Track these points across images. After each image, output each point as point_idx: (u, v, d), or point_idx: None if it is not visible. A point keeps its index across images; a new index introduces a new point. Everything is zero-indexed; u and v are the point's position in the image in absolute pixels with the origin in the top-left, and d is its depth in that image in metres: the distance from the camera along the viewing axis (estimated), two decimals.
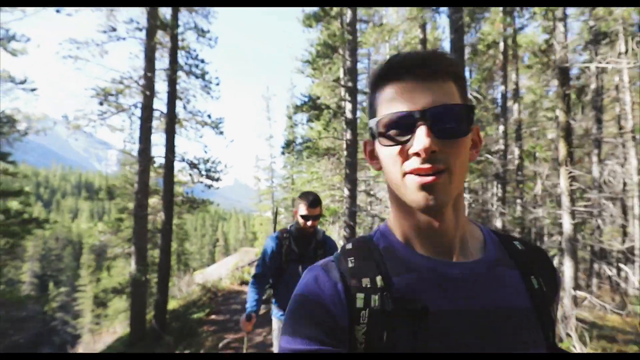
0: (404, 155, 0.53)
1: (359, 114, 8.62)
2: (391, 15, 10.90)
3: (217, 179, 8.42)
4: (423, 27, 10.72)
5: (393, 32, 9.53)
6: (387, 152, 0.55)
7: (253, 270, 2.57)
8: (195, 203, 8.62)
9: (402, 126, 0.52)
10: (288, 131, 24.41)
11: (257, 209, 40.38)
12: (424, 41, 10.99)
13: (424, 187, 0.51)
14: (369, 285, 0.55)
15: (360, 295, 0.54)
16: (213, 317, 7.62)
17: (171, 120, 7.88)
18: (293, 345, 0.52)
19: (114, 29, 8.40)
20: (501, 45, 9.97)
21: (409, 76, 0.53)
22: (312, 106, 7.92)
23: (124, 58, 8.70)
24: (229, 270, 13.13)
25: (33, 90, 8.37)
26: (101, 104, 8.28)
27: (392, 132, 0.53)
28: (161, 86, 8.38)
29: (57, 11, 7.49)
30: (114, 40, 8.54)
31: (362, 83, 12.59)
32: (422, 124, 0.50)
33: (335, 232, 12.30)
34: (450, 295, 0.54)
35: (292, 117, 19.33)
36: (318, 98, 8.23)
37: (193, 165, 8.33)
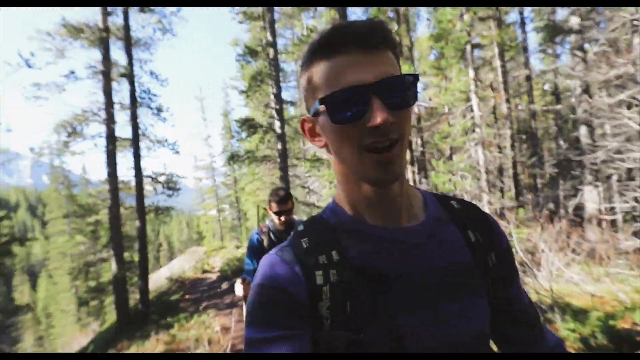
0: (359, 131, 0.52)
1: (286, 129, 11.33)
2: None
3: (177, 189, 10.66)
4: None
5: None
6: (340, 130, 0.54)
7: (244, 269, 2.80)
8: (160, 210, 10.78)
9: (354, 101, 0.51)
10: (226, 143, 26.64)
11: (200, 209, 41.46)
12: None
13: (382, 163, 0.53)
14: (325, 262, 0.56)
15: (318, 272, 0.55)
16: (187, 296, 10.00)
17: (136, 146, 9.94)
18: (257, 334, 0.52)
19: (73, 72, 10.15)
20: None
21: (353, 47, 0.52)
22: (250, 126, 10.47)
23: (82, 94, 10.45)
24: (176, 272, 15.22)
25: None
26: (69, 135, 10.03)
27: (343, 109, 0.52)
28: (118, 116, 10.30)
29: (29, 67, 9.09)
30: (72, 81, 10.28)
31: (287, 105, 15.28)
32: (375, 97, 0.50)
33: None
34: (402, 259, 0.57)
35: (230, 131, 21.53)
36: (253, 119, 10.78)
37: (155, 180, 10.48)
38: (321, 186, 15.07)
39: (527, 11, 13.90)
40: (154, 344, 6.69)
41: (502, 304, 0.65)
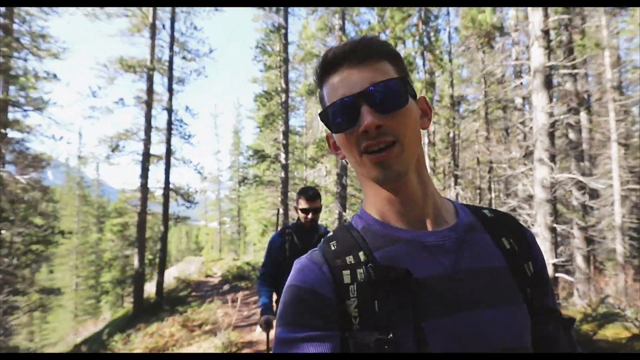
0: (356, 138, 0.58)
1: (290, 158, 13.69)
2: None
3: (195, 202, 12.95)
4: None
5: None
6: (342, 139, 0.60)
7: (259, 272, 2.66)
8: (179, 218, 13.04)
9: (348, 111, 0.57)
10: (234, 158, 29.37)
11: (201, 219, 43.63)
12: None
13: (379, 163, 0.57)
14: (353, 262, 0.58)
15: (346, 272, 0.58)
16: (194, 293, 12.10)
17: (167, 165, 12.32)
18: (287, 334, 0.55)
19: (122, 99, 12.68)
20: None
21: (344, 64, 0.59)
22: (260, 156, 12.86)
23: (127, 116, 12.92)
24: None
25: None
26: (113, 150, 12.46)
27: (341, 121, 0.59)
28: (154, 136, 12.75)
29: (94, 97, 11.62)
30: (120, 107, 12.80)
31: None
32: (363, 104, 0.56)
33: None
34: (429, 262, 0.58)
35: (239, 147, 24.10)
36: (263, 150, 13.17)
37: (177, 193, 12.81)
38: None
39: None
40: (171, 322, 8.80)
41: (541, 314, 0.62)
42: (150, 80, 12.60)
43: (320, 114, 0.63)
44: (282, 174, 13.06)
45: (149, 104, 12.54)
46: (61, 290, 12.63)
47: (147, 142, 12.45)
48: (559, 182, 7.08)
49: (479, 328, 0.55)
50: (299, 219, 2.62)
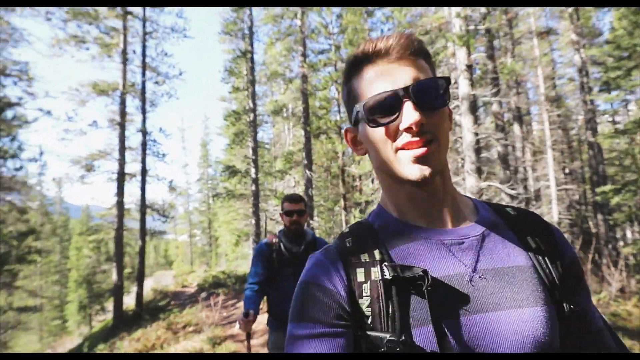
0: (394, 133, 0.57)
1: (259, 174, 14.85)
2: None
3: (171, 217, 13.78)
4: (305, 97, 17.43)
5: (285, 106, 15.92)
6: (376, 133, 0.59)
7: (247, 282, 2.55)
8: (155, 232, 13.83)
9: (388, 106, 0.56)
10: (203, 171, 30.07)
11: (171, 233, 43.48)
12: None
13: (418, 159, 0.56)
14: (367, 260, 0.57)
15: (360, 270, 0.57)
16: (173, 302, 12.92)
17: (143, 183, 13.15)
18: (298, 330, 0.55)
19: (95, 121, 13.42)
20: None
21: (385, 58, 0.58)
22: (231, 172, 13.94)
23: (100, 138, 13.63)
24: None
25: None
26: (88, 170, 13.14)
27: (378, 114, 0.57)
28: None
29: (70, 121, 12.29)
30: (94, 129, 13.52)
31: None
32: (407, 100, 0.55)
33: (249, 247, 18.22)
34: (449, 260, 0.57)
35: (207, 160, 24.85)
36: (234, 166, 14.27)
37: (152, 209, 13.63)
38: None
39: None
40: (155, 327, 9.69)
41: (569, 318, 0.57)
42: (123, 103, 13.42)
43: (347, 105, 0.65)
44: (253, 187, 14.20)
45: (122, 125, 13.36)
46: (37, 308, 13.04)
47: (122, 161, 13.24)
48: (483, 189, 8.74)
49: (500, 330, 0.53)
50: (285, 225, 2.57)
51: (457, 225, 0.62)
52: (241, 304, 10.14)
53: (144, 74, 13.43)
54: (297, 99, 13.49)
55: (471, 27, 8.42)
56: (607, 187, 10.45)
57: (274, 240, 2.56)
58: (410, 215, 0.63)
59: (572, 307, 0.57)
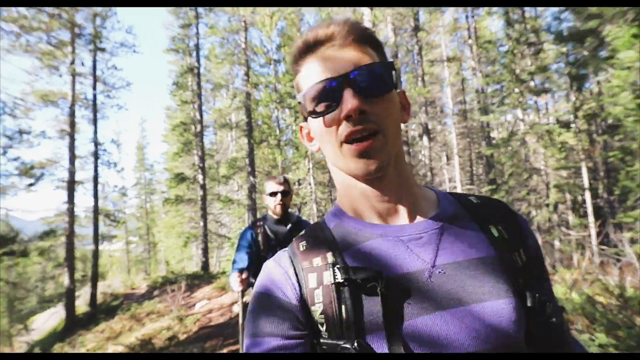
0: (337, 125, 0.55)
1: (207, 181, 16.41)
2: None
3: (122, 222, 14.82)
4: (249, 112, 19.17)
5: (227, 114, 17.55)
6: (319, 126, 0.57)
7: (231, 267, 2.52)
8: (106, 237, 14.75)
9: (329, 95, 0.54)
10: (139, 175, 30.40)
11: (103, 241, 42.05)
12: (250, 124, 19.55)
13: (362, 153, 0.54)
14: (320, 264, 0.56)
15: (312, 275, 0.55)
16: (125, 302, 14.01)
17: (95, 190, 14.09)
18: (254, 348, 0.54)
19: (44, 131, 14.11)
20: None
21: (324, 47, 0.56)
22: (180, 179, 15.37)
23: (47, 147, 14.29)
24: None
25: None
26: (37, 178, 13.80)
27: (320, 105, 0.55)
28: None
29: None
30: (41, 138, 14.17)
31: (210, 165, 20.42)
32: (346, 87, 0.53)
33: (194, 248, 19.52)
34: (406, 257, 0.55)
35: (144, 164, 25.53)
36: (182, 173, 15.70)
37: (106, 215, 14.61)
38: (231, 221, 20.07)
39: None
40: (118, 320, 10.97)
41: (533, 308, 0.55)
42: (72, 114, 14.24)
43: (298, 100, 0.61)
44: (200, 192, 15.76)
45: (71, 135, 14.19)
46: None
47: (72, 169, 14.08)
48: None
49: (463, 326, 0.51)
50: (269, 208, 2.57)
51: (415, 220, 0.60)
52: (199, 293, 11.76)
53: (94, 87, 14.38)
54: (240, 108, 15.33)
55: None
56: (487, 187, 13.78)
57: (258, 224, 2.58)
58: (366, 212, 0.61)
59: (537, 295, 0.56)
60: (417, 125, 16.88)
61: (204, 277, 13.99)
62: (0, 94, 13.19)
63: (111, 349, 8.46)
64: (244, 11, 14.22)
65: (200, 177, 15.72)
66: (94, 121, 14.32)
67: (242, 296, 2.53)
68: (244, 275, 2.32)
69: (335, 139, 0.56)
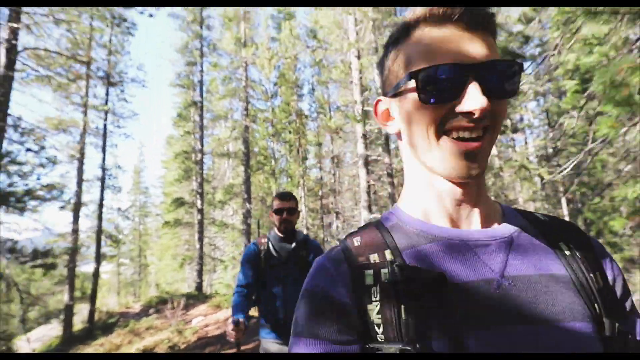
0: (445, 115, 0.49)
1: (205, 205, 17.54)
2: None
3: (123, 242, 15.80)
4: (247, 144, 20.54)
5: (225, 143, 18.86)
6: (422, 110, 0.51)
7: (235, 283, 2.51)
8: (106, 256, 15.67)
9: (447, 81, 0.48)
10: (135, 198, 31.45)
11: (91, 261, 42.25)
12: (247, 154, 20.90)
13: (468, 154, 0.49)
14: (377, 260, 0.52)
15: (368, 272, 0.51)
16: (121, 319, 14.78)
17: (100, 212, 15.17)
18: (299, 347, 0.51)
19: (56, 157, 15.29)
20: None
21: (453, 23, 0.49)
22: (179, 203, 16.51)
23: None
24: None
25: None
26: (48, 200, 14.85)
27: (431, 88, 0.48)
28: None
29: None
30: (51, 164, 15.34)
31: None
32: (472, 79, 0.47)
33: (187, 270, 20.36)
34: (472, 264, 0.52)
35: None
36: (182, 198, 16.85)
37: (109, 237, 15.61)
38: (225, 244, 21.02)
39: None
40: (117, 335, 11.80)
41: (612, 338, 0.49)
42: (82, 141, 15.49)
43: (387, 71, 0.56)
44: (198, 216, 16.86)
45: (80, 160, 15.39)
46: None
47: (80, 192, 15.18)
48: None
49: (535, 347, 0.46)
50: (274, 225, 2.54)
51: (484, 227, 0.56)
52: (194, 311, 12.68)
53: (106, 118, 15.73)
54: (238, 139, 16.68)
55: (367, 108, 12.56)
56: None
57: (262, 241, 2.53)
58: (435, 214, 0.56)
59: (617, 325, 0.49)
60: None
61: (198, 297, 14.89)
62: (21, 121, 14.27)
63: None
64: (245, 52, 15.88)
65: (198, 202, 16.87)
66: (103, 149, 15.56)
67: (239, 348, 2.42)
68: (241, 327, 2.21)
69: (434, 129, 0.50)
